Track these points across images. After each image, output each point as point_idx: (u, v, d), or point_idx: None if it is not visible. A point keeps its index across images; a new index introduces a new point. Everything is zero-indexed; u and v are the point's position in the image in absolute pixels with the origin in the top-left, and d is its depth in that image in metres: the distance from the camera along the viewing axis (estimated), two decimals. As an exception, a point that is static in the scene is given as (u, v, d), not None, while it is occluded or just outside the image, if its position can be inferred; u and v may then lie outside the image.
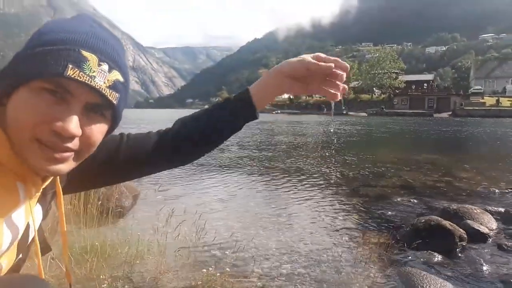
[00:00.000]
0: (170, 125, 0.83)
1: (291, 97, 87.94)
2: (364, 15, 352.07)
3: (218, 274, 2.43)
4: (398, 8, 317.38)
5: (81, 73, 0.53)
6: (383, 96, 70.65)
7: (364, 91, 73.88)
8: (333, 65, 0.73)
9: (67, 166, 0.56)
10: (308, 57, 0.75)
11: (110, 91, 0.57)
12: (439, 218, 3.28)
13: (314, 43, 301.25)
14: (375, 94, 72.64)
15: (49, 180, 0.62)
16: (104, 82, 0.55)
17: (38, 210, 0.63)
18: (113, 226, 3.42)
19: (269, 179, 6.20)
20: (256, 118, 0.86)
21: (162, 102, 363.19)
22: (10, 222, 0.53)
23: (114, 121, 0.64)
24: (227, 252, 2.91)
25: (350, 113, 59.79)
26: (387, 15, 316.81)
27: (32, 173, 0.55)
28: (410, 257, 2.92)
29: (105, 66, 0.56)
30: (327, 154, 9.81)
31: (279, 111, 73.68)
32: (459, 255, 2.96)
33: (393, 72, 70.80)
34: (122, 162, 0.77)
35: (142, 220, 3.32)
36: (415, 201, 4.73)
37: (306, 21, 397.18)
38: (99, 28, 0.59)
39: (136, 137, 0.81)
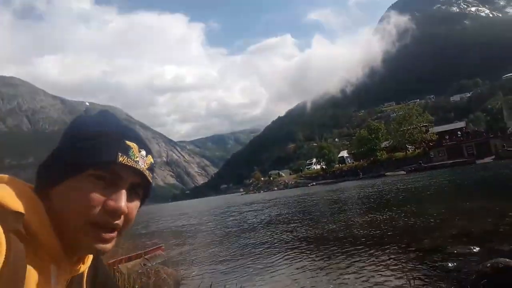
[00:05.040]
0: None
1: (324, 166, 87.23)
2: (384, 76, 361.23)
3: None
4: (414, 65, 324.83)
5: (128, 159, 0.63)
6: (417, 151, 68.83)
7: (396, 149, 72.46)
8: None
9: (111, 244, 0.62)
10: None
11: (149, 172, 0.67)
12: (508, 260, 2.93)
13: (337, 111, 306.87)
14: (409, 151, 70.97)
15: (77, 271, 0.65)
16: (144, 165, 0.66)
17: None
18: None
19: (314, 249, 5.89)
20: None
21: (198, 192, 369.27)
22: None
23: (144, 198, 0.71)
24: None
25: (387, 173, 57.98)
26: (405, 73, 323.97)
27: (66, 259, 0.58)
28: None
29: (143, 152, 0.66)
30: (370, 215, 9.34)
31: (314, 183, 72.51)
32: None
33: (422, 126, 69.75)
34: None
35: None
36: (476, 248, 4.29)
37: (333, 88, 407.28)
38: (124, 122, 0.69)
39: None
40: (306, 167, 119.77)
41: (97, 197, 0.60)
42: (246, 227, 11.49)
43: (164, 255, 6.47)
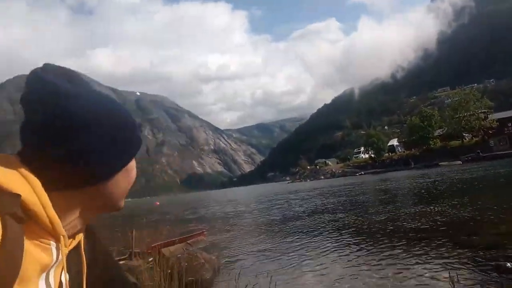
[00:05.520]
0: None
1: (372, 155, 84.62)
2: (439, 59, 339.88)
3: None
4: (472, 47, 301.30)
5: None
6: (475, 139, 64.38)
7: (452, 137, 68.24)
8: None
9: None
10: None
11: None
12: None
13: (386, 98, 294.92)
14: (465, 139, 66.61)
15: (75, 243, 0.64)
16: None
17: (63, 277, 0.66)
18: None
19: (358, 241, 5.67)
20: None
21: (245, 179, 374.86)
22: (46, 280, 0.56)
23: None
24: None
25: (441, 163, 54.93)
26: (461, 55, 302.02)
27: (66, 234, 0.58)
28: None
29: None
30: (421, 207, 8.86)
31: (362, 172, 70.61)
32: None
33: (480, 112, 64.83)
34: None
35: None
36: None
37: (383, 73, 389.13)
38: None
39: None
40: (354, 156, 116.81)
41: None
42: (291, 215, 11.41)
43: (206, 241, 6.58)
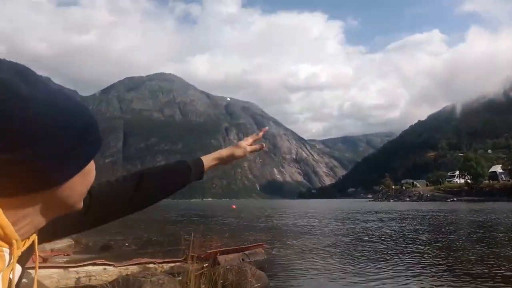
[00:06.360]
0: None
1: (469, 181, 76.40)
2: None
3: None
4: None
5: None
6: None
7: None
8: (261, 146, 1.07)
9: None
10: (245, 145, 1.04)
11: None
12: None
13: (494, 117, 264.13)
14: None
15: (29, 242, 0.62)
16: None
17: (17, 270, 0.64)
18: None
19: (433, 282, 4.89)
20: (201, 179, 0.97)
21: (324, 192, 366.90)
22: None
23: None
24: None
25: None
26: None
27: (18, 238, 0.55)
28: None
29: None
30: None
31: (455, 199, 64.09)
32: None
33: None
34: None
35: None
36: None
37: (493, 90, 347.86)
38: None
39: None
40: (447, 179, 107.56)
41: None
42: (364, 238, 10.59)
43: (264, 254, 6.32)
